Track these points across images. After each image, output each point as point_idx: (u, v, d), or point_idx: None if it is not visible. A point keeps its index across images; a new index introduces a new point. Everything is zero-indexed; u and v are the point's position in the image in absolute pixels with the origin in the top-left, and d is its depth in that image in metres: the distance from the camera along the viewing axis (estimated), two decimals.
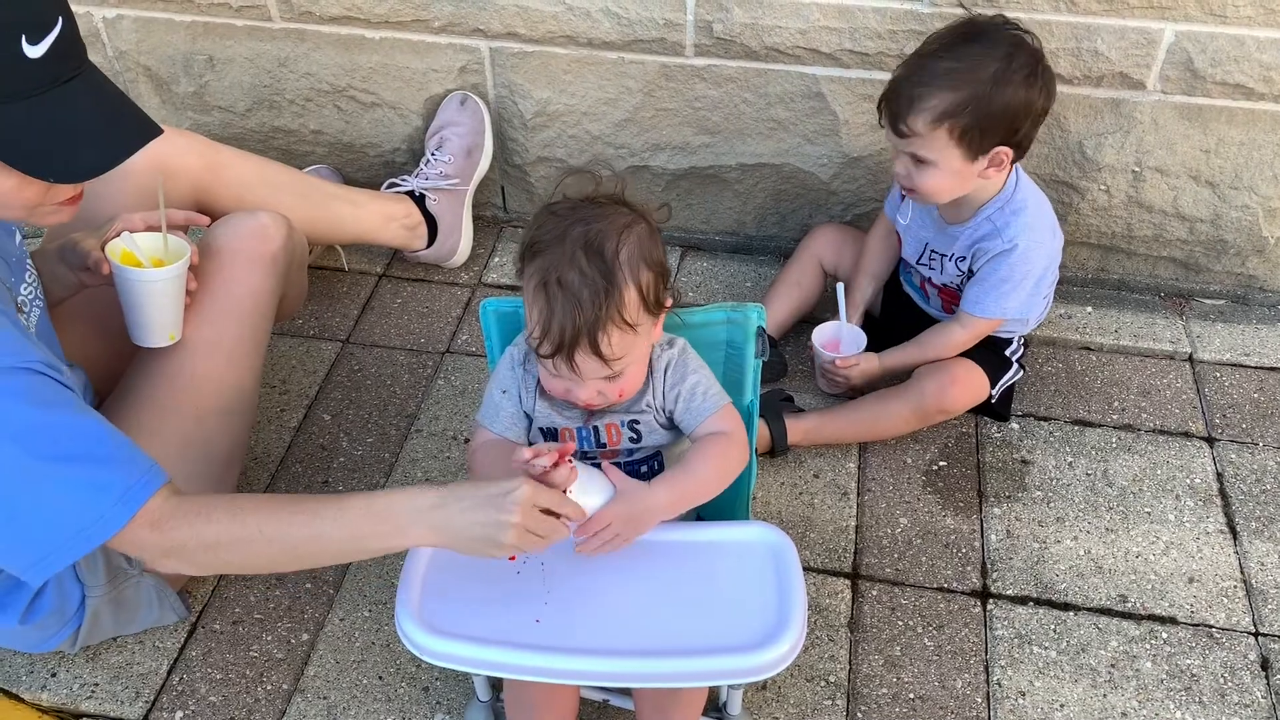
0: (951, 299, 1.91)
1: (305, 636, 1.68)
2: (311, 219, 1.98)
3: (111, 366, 1.66)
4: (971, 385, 1.88)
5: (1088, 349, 2.13)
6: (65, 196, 1.32)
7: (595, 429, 1.43)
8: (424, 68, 2.17)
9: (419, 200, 2.18)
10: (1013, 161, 1.73)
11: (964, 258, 1.83)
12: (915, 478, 1.90)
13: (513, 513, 1.21)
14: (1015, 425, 1.98)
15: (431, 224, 2.20)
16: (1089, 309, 2.20)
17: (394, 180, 2.21)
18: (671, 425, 1.46)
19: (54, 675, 1.63)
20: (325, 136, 2.31)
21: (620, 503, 1.33)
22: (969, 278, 1.84)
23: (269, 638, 1.68)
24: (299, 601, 1.72)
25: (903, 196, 1.87)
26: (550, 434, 1.44)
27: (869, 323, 2.04)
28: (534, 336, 1.28)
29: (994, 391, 1.92)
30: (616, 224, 1.28)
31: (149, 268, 1.52)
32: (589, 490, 1.31)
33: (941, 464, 1.92)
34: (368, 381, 2.09)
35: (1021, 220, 1.76)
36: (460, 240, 2.25)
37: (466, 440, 1.97)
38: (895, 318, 2.04)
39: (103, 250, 1.54)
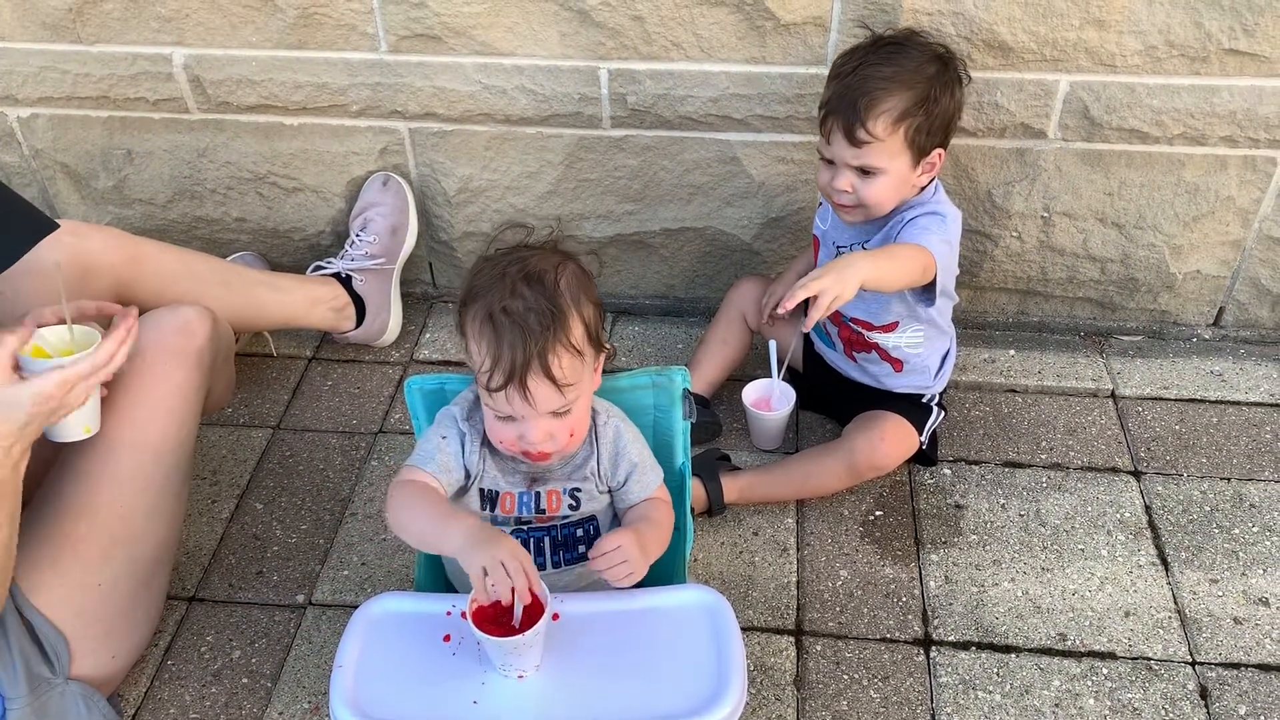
0: (852, 342, 1.93)
1: None
2: (237, 308, 1.97)
3: (34, 471, 1.63)
4: (901, 440, 1.90)
5: (1013, 391, 2.17)
6: None
7: (537, 495, 1.43)
8: (344, 151, 2.19)
9: (345, 281, 2.18)
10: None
11: (868, 240, 1.84)
12: (853, 529, 1.91)
13: (499, 549, 1.26)
14: (947, 470, 2.01)
15: (359, 304, 2.20)
16: (1011, 351, 2.25)
17: (319, 263, 2.21)
18: (607, 492, 1.48)
19: None
20: (248, 224, 2.31)
21: (616, 538, 1.35)
22: None
23: None
24: (235, 697, 1.68)
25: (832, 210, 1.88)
26: (491, 497, 1.44)
27: (793, 379, 2.06)
28: (484, 370, 1.29)
29: (923, 439, 1.94)
30: (551, 260, 1.33)
31: (56, 358, 1.50)
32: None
33: (878, 514, 1.94)
34: (300, 467, 2.07)
35: (941, 209, 1.79)
36: (389, 318, 2.25)
37: None
38: (817, 375, 2.07)
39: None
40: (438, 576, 1.59)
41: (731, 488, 1.89)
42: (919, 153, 1.73)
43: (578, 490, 1.46)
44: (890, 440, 1.88)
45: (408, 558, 1.88)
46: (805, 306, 2.04)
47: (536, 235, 1.42)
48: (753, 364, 2.15)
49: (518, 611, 1.29)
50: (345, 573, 1.87)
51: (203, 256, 2.01)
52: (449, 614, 1.41)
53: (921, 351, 1.91)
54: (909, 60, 1.71)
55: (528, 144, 2.14)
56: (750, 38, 1.95)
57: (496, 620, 1.31)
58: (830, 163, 1.77)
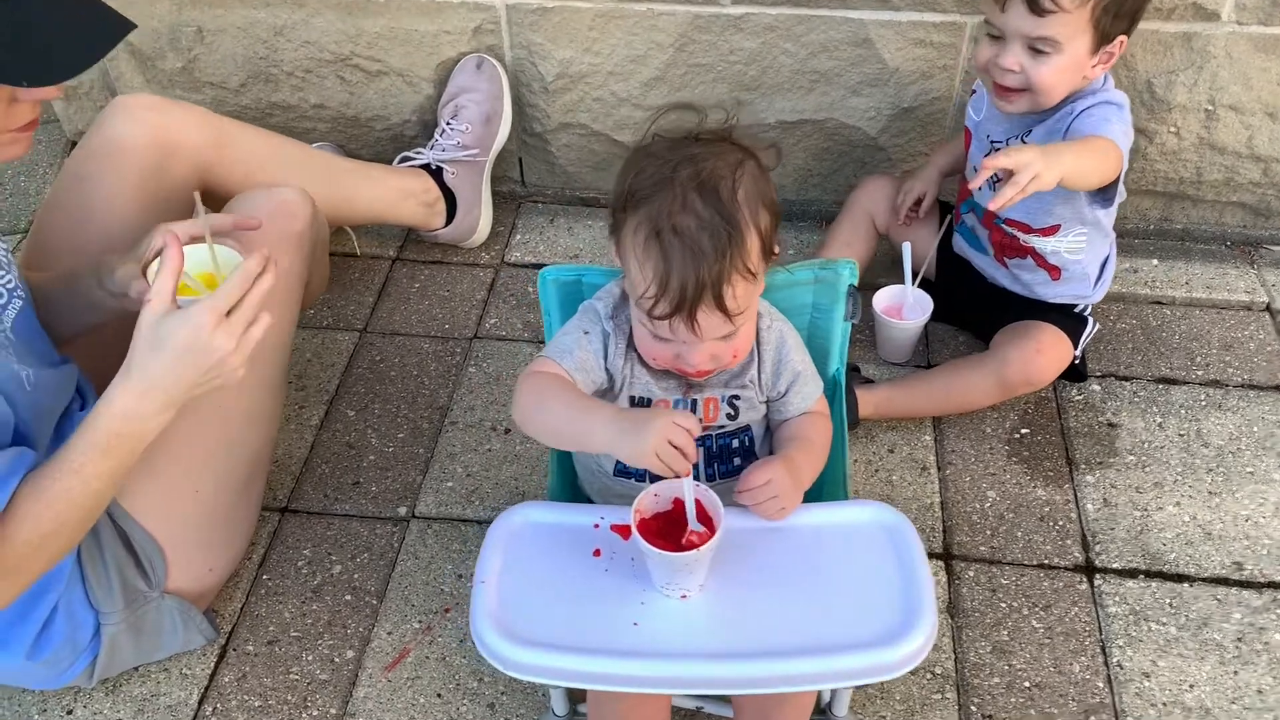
0: (1004, 247, 1.76)
1: (350, 654, 1.51)
2: (327, 197, 1.80)
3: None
4: (1058, 353, 1.73)
5: (1159, 303, 2.00)
6: (23, 121, 1.18)
7: (693, 402, 1.28)
8: (434, 30, 2.00)
9: (435, 174, 2.01)
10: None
11: (1030, 130, 1.65)
12: (998, 448, 1.76)
13: (653, 429, 1.12)
14: (1096, 386, 1.85)
15: (450, 200, 2.03)
16: (1154, 261, 2.07)
17: (407, 154, 2.04)
18: (765, 403, 1.32)
19: (70, 714, 1.45)
20: (327, 111, 2.13)
21: (765, 470, 1.21)
22: None
23: (309, 657, 1.51)
24: (339, 615, 1.55)
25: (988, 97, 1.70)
26: (643, 405, 1.29)
27: (924, 288, 1.89)
28: (647, 296, 1.12)
29: (1078, 352, 1.78)
30: (728, 161, 1.14)
31: (204, 293, 1.28)
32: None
33: (1024, 431, 1.78)
34: (392, 373, 1.92)
35: (1115, 97, 1.60)
36: (480, 216, 2.08)
37: (507, 430, 1.81)
38: (954, 283, 1.90)
39: (144, 274, 1.34)
40: (571, 489, 1.45)
41: (866, 401, 1.73)
42: (1101, 37, 1.53)
43: (736, 398, 1.30)
44: (1047, 352, 1.72)
45: (517, 469, 1.74)
46: (941, 215, 1.89)
47: (705, 121, 1.21)
48: (876, 271, 1.97)
49: (692, 512, 1.15)
50: (449, 484, 1.73)
51: (290, 141, 1.84)
52: (597, 526, 1.26)
53: (1082, 258, 1.73)
54: None
55: (636, 23, 1.95)
56: None
57: (661, 534, 1.16)
58: (997, 38, 1.58)
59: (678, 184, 1.12)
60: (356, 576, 1.61)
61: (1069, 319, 1.77)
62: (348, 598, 1.58)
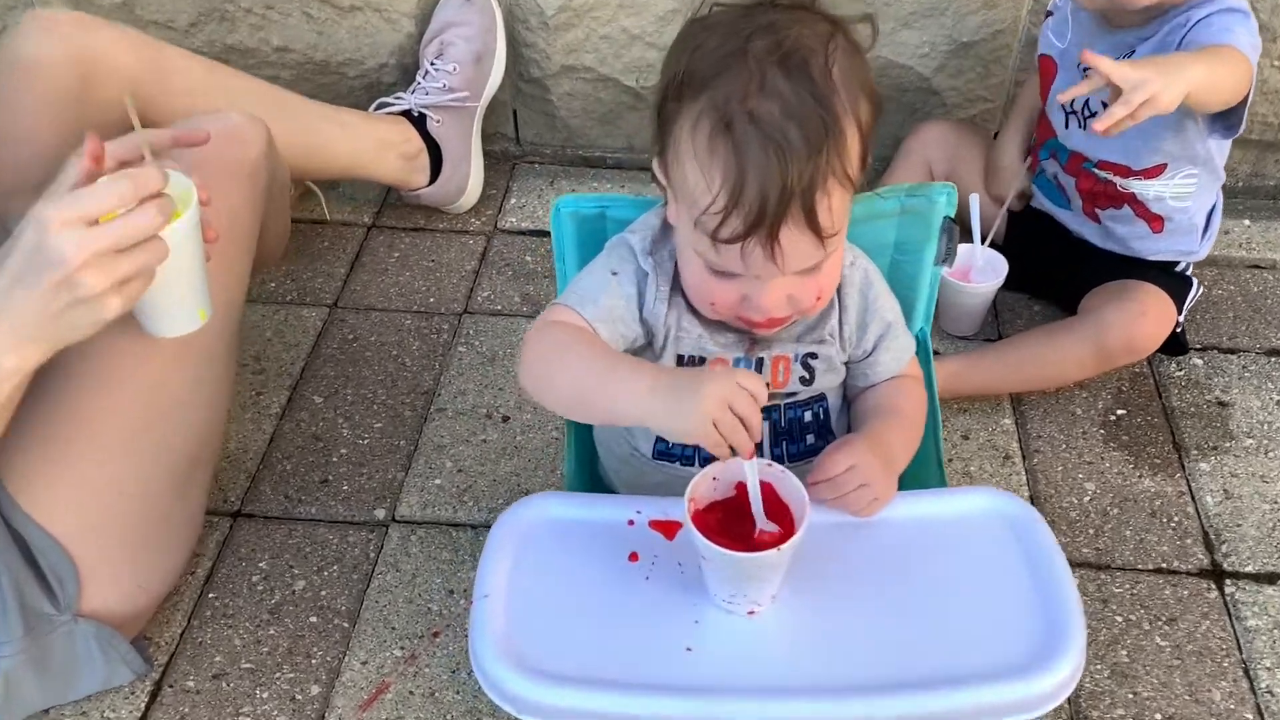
0: (1096, 195, 1.48)
1: (315, 689, 1.21)
2: (289, 144, 1.51)
3: None
4: (1164, 317, 1.46)
5: (1258, 267, 1.73)
6: None
7: (759, 362, 0.99)
8: None
9: (417, 122, 1.72)
10: None
11: (1134, 51, 1.37)
12: (1092, 432, 1.48)
13: (708, 391, 0.84)
14: (1198, 360, 1.57)
15: (435, 153, 1.74)
16: (1246, 221, 1.81)
17: (384, 100, 1.75)
18: (845, 364, 1.04)
19: None
20: (292, 55, 1.84)
21: (847, 452, 0.94)
22: None
23: (265, 694, 1.21)
24: (302, 642, 1.26)
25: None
26: (694, 365, 1.00)
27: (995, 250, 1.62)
28: (714, 211, 0.84)
29: (1180, 318, 1.51)
30: (816, 31, 0.86)
31: None
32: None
33: (1120, 413, 1.50)
34: (367, 353, 1.63)
35: (1237, 6, 1.32)
36: (470, 174, 1.79)
37: (505, 418, 1.52)
38: (1029, 243, 1.62)
39: None
40: (592, 479, 1.16)
41: (936, 375, 1.45)
42: None
43: (812, 357, 1.02)
44: (1152, 315, 1.44)
45: (519, 462, 1.45)
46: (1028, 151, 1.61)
47: None
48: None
49: (757, 504, 0.87)
50: (437, 482, 1.44)
51: (244, 75, 1.55)
52: (632, 523, 0.97)
53: (1189, 205, 1.46)
54: None
55: None
56: None
57: (721, 530, 0.88)
58: None
59: (752, 59, 0.84)
60: (324, 594, 1.31)
61: (1171, 279, 1.50)
62: (313, 620, 1.28)
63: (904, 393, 1.06)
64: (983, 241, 1.57)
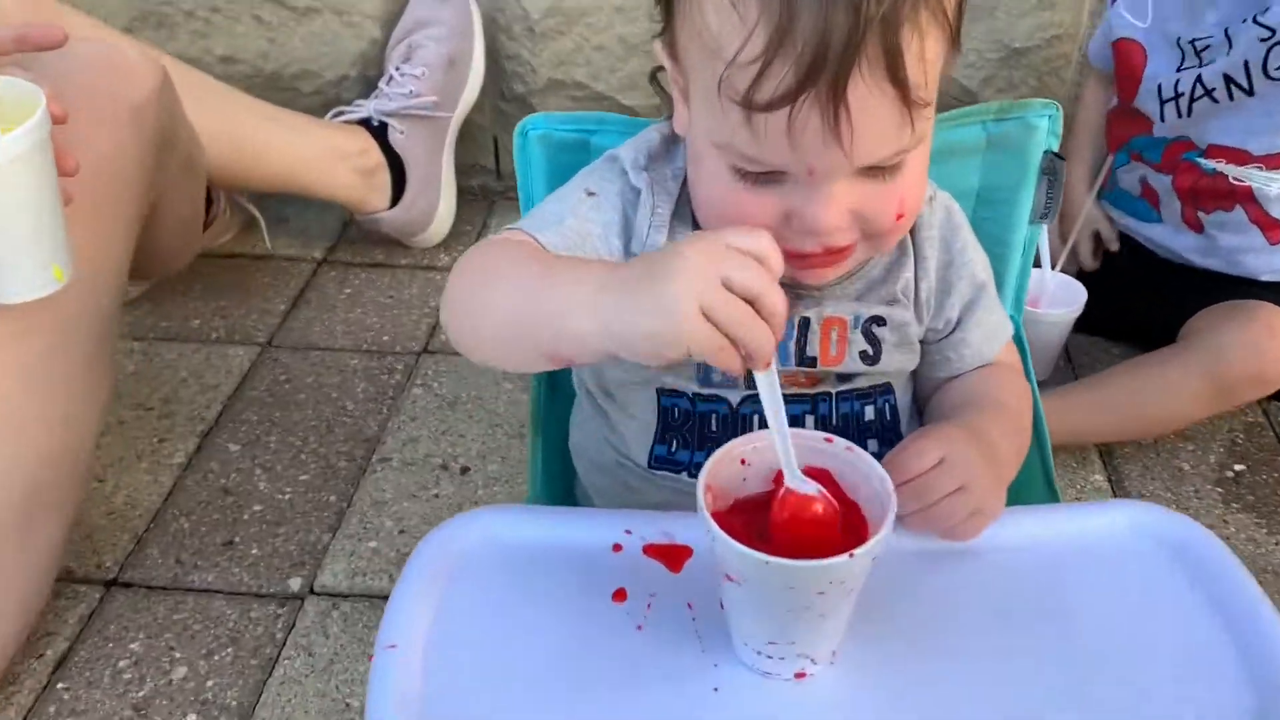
0: (1201, 195, 1.22)
1: None
2: (224, 141, 1.26)
3: None
4: None
5: None
6: None
7: (804, 324, 0.70)
8: None
9: (378, 132, 1.47)
10: None
11: (1267, 9, 1.13)
12: (1207, 490, 1.17)
13: (684, 264, 0.53)
14: None
15: (398, 172, 1.48)
16: None
17: (341, 109, 1.50)
18: (913, 344, 0.75)
19: None
20: (239, 66, 1.60)
21: (936, 440, 0.65)
22: (1275, 68, 1.13)
23: None
24: None
25: None
26: None
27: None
28: (752, 55, 0.57)
29: None
30: None
31: None
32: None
33: (1238, 468, 1.20)
34: (300, 395, 1.33)
35: None
36: (439, 199, 1.53)
37: (465, 469, 1.21)
38: (1105, 272, 1.35)
39: None
40: (565, 498, 0.85)
41: None
42: None
43: (878, 323, 0.72)
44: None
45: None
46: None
47: None
48: None
49: (787, 457, 0.57)
50: (371, 544, 1.12)
51: (167, 58, 1.30)
52: (619, 548, 0.66)
53: None
54: None
55: None
56: None
57: (748, 537, 0.56)
58: None
59: None
60: (211, 685, 0.98)
61: None
62: (191, 719, 0.95)
63: (1003, 384, 0.76)
64: (1052, 267, 1.30)
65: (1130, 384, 1.17)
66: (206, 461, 1.24)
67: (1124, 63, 1.26)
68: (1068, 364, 1.36)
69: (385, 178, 1.47)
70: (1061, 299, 1.29)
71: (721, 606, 0.59)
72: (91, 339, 0.94)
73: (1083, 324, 1.31)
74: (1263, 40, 1.12)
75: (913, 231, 0.73)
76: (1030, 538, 0.66)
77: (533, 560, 0.66)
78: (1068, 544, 0.66)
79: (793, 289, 0.68)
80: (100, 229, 0.91)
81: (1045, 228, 1.28)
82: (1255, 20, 1.12)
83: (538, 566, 0.66)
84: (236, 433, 1.27)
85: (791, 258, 0.63)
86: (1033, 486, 0.82)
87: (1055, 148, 0.81)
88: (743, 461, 0.59)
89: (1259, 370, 1.13)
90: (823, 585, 0.53)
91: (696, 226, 0.70)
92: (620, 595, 0.63)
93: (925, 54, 0.57)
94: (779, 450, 0.57)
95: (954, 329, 0.76)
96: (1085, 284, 1.31)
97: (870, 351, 0.72)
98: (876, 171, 0.61)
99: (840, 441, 0.58)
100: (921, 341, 0.76)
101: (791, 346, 0.71)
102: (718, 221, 0.66)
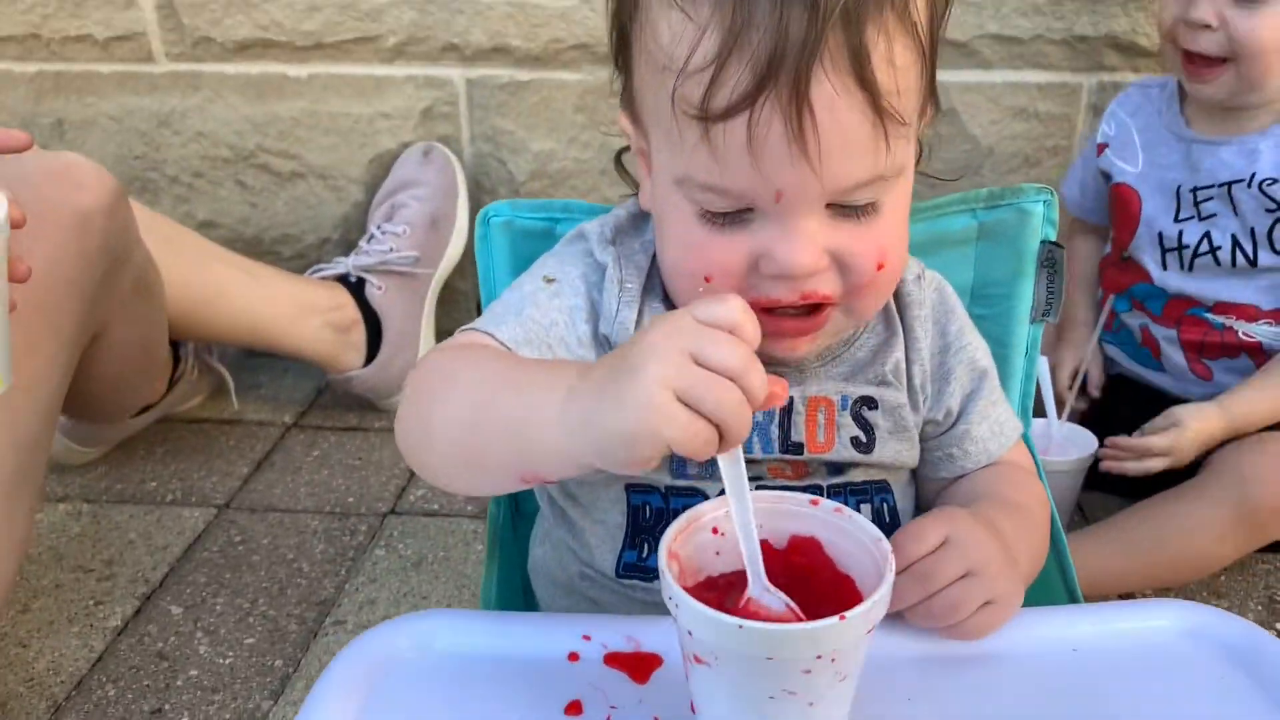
0: (1206, 348, 1.17)
1: None
2: (180, 283, 1.22)
3: None
4: None
5: None
6: None
7: (788, 405, 0.64)
8: (370, 113, 1.51)
9: (355, 289, 1.43)
10: None
11: (1275, 181, 1.10)
12: None
13: (651, 350, 0.46)
14: None
15: (373, 327, 1.43)
16: None
17: (320, 265, 1.47)
18: (918, 429, 0.68)
19: None
20: (220, 229, 1.59)
21: (939, 520, 0.59)
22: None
23: None
24: None
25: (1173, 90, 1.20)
26: None
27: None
28: (704, 58, 0.53)
29: None
30: None
31: None
32: None
33: (1279, 627, 1.09)
34: (254, 556, 1.23)
35: None
36: (416, 359, 1.47)
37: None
38: (1109, 420, 1.28)
39: None
40: (523, 604, 0.75)
41: None
42: None
43: (869, 405, 0.65)
44: None
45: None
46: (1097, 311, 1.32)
47: None
48: None
49: (753, 565, 0.48)
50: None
51: (141, 206, 1.28)
52: (575, 657, 0.56)
53: None
54: None
55: None
56: None
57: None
58: None
59: None
60: None
61: None
62: None
63: (1017, 483, 0.68)
64: (1061, 415, 1.23)
65: (1151, 522, 1.08)
66: (144, 625, 1.12)
67: (1121, 209, 1.23)
68: (1083, 520, 1.26)
69: (361, 335, 1.43)
70: (1071, 447, 1.21)
71: (693, 709, 0.49)
72: (13, 456, 0.86)
73: (1097, 481, 1.22)
74: (1269, 211, 1.11)
75: (901, 310, 0.67)
76: (1058, 640, 0.57)
77: (472, 670, 0.56)
78: (1105, 648, 0.56)
79: (770, 368, 0.61)
80: (37, 330, 0.85)
81: (1047, 372, 1.24)
82: (1261, 189, 1.10)
83: (478, 677, 0.56)
84: (181, 595, 1.17)
85: (765, 318, 0.56)
86: (1052, 593, 0.72)
87: (1053, 236, 0.76)
88: (715, 530, 0.51)
89: None
90: (809, 660, 0.43)
91: (669, 301, 0.64)
92: (575, 708, 0.53)
93: (894, 58, 0.53)
94: (743, 550, 0.48)
95: (956, 421, 0.68)
96: (1094, 431, 1.24)
97: (863, 438, 0.65)
98: (851, 211, 0.56)
99: (827, 503, 0.50)
100: (922, 438, 0.68)
101: (774, 431, 0.63)
102: (688, 280, 0.60)
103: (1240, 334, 1.15)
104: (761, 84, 0.51)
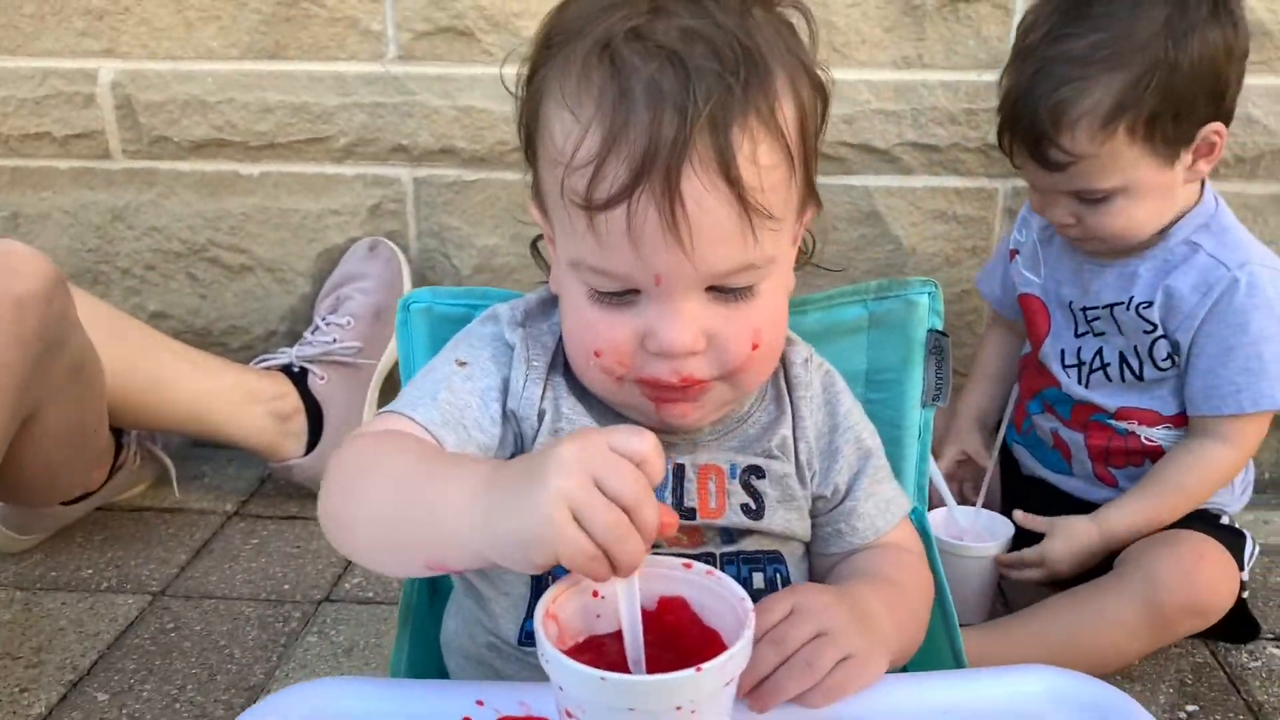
0: (1112, 453, 1.22)
1: None
2: (131, 373, 1.25)
3: None
4: (1224, 570, 1.14)
5: None
6: None
7: (680, 471, 0.67)
8: (318, 210, 1.56)
9: (298, 379, 1.46)
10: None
11: (1149, 304, 1.16)
12: None
13: (559, 463, 0.50)
14: (1276, 650, 1.21)
15: (315, 417, 1.46)
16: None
17: (265, 355, 1.50)
18: (808, 504, 0.72)
19: None
20: (169, 321, 1.62)
21: (785, 593, 0.62)
22: (1162, 360, 1.17)
23: None
24: None
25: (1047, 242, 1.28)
26: None
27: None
28: (588, 154, 0.59)
29: (1244, 576, 1.17)
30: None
31: None
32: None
33: (1190, 709, 1.12)
34: (185, 643, 1.23)
35: (1237, 241, 1.14)
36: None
37: None
38: (1025, 507, 1.32)
39: None
40: (427, 667, 0.77)
41: None
42: (1169, 146, 1.11)
43: (757, 475, 0.69)
44: (1213, 563, 1.12)
45: None
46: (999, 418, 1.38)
47: None
48: None
49: (633, 641, 0.51)
50: None
51: (86, 294, 1.31)
52: None
53: None
54: (1118, 14, 1.09)
55: None
56: (902, 28, 1.42)
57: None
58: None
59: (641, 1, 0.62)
60: None
61: (1220, 530, 1.18)
62: None
63: (898, 564, 0.72)
64: (955, 502, 1.27)
65: (1066, 615, 1.11)
66: (69, 712, 1.12)
67: (1030, 319, 1.29)
68: (1005, 608, 1.29)
69: (302, 423, 1.45)
70: (989, 531, 1.25)
71: None
72: None
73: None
74: (1146, 333, 1.17)
75: (790, 391, 0.71)
76: (932, 706, 0.60)
77: None
78: (976, 710, 0.59)
79: (664, 435, 0.65)
80: None
81: (938, 470, 1.28)
82: (1138, 311, 1.17)
83: None
84: (109, 682, 1.17)
85: (651, 390, 0.61)
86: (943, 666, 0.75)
87: (939, 326, 0.81)
88: (596, 594, 0.54)
89: (1192, 599, 1.08)
90: (668, 711, 0.46)
91: (572, 376, 0.68)
92: None
93: (759, 159, 0.59)
94: (626, 634, 0.52)
95: (844, 498, 0.72)
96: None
97: (753, 505, 0.68)
98: (730, 295, 0.61)
99: (700, 566, 0.53)
100: (813, 514, 0.72)
101: (668, 495, 0.67)
102: (582, 355, 0.65)
103: (1143, 439, 1.21)
104: (637, 178, 0.56)
